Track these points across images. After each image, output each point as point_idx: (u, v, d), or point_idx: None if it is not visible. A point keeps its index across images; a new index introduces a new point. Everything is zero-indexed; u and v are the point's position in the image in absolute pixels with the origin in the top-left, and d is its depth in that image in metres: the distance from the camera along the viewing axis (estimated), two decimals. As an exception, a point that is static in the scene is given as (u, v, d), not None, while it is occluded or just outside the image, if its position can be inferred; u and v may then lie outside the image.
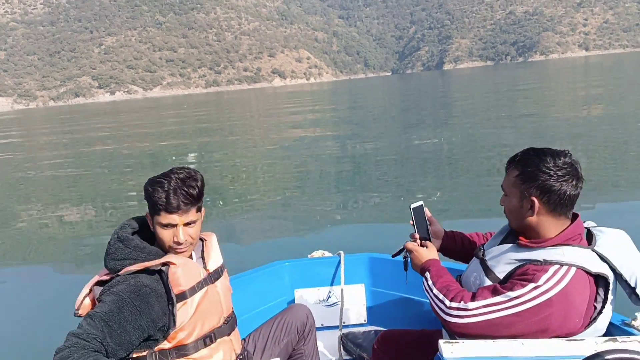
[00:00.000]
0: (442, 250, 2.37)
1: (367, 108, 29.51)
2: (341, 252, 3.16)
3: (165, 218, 1.98)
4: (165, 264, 1.96)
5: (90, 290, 2.01)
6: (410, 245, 2.18)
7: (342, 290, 3.03)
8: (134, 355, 1.97)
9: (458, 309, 1.86)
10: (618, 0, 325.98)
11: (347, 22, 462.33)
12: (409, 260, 2.21)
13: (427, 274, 2.05)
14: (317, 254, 3.29)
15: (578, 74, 48.94)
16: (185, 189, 1.98)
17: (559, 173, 1.85)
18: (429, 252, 2.14)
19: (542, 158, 1.88)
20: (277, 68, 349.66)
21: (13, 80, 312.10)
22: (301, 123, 21.35)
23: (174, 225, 2.00)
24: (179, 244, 2.02)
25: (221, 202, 10.43)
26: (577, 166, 1.90)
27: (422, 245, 2.18)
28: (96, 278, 2.02)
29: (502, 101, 22.69)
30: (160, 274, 1.96)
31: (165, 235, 2.00)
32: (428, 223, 2.26)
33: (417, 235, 2.20)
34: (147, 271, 1.95)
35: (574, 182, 1.86)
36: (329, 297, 3.09)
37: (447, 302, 1.90)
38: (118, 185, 12.90)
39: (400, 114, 21.91)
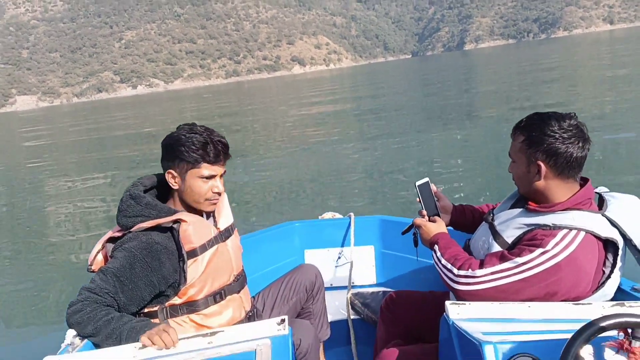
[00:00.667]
0: (452, 224, 2.37)
1: (388, 96, 29.01)
2: (352, 214, 3.18)
3: (207, 169, 2.03)
4: (176, 221, 2.00)
5: (103, 247, 2.06)
6: (419, 221, 2.19)
7: (351, 251, 3.06)
8: (146, 310, 2.03)
9: (466, 276, 1.87)
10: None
11: (365, 5, 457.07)
12: (418, 236, 2.22)
13: (436, 247, 2.06)
14: (328, 215, 3.31)
15: (603, 51, 47.36)
16: (219, 139, 2.05)
17: (565, 135, 1.83)
18: (438, 227, 2.14)
19: (546, 122, 1.86)
20: (296, 55, 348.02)
21: (37, 78, 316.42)
22: (320, 120, 21.19)
23: (214, 177, 2.05)
24: (218, 194, 2.08)
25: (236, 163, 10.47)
26: (583, 128, 1.87)
27: (430, 221, 2.18)
28: (109, 234, 2.07)
29: (525, 88, 22.04)
30: (172, 231, 2.00)
31: (204, 187, 2.05)
32: (436, 199, 2.26)
33: (424, 212, 2.20)
34: (158, 228, 1.99)
35: (580, 144, 1.84)
36: (339, 258, 3.13)
37: (455, 270, 1.91)
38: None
39: (422, 105, 21.33)
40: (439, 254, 2.02)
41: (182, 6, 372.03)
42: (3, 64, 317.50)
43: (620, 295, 1.98)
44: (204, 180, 2.05)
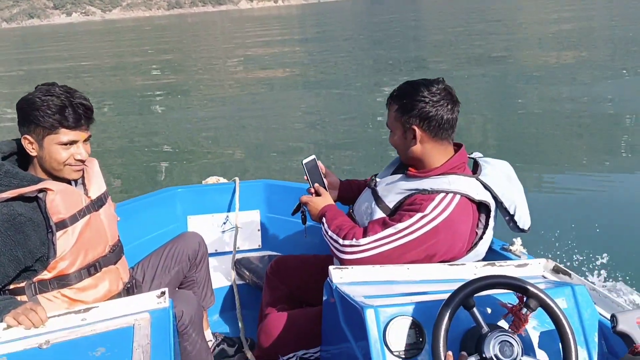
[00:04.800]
0: (340, 199, 2.41)
1: (336, 40, 28.24)
2: (237, 178, 3.14)
3: (67, 135, 1.90)
4: (41, 190, 1.87)
5: None
6: (305, 198, 2.22)
7: (237, 216, 3.04)
8: (11, 287, 1.91)
9: (351, 245, 1.93)
10: None
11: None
12: (307, 213, 2.24)
13: (324, 219, 2.10)
14: (212, 180, 3.24)
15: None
16: (81, 102, 1.91)
17: (434, 99, 1.93)
18: (324, 200, 2.18)
19: (416, 88, 1.96)
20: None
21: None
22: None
23: (75, 142, 1.93)
24: (82, 161, 1.96)
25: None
26: (452, 91, 1.99)
27: (316, 195, 2.21)
28: None
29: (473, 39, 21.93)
30: (37, 201, 1.88)
31: (63, 154, 1.92)
32: (323, 176, 2.27)
33: (312, 190, 2.22)
34: (21, 199, 1.86)
35: (450, 106, 1.96)
36: (224, 223, 3.10)
37: (340, 240, 1.97)
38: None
39: (371, 54, 20.77)
40: (326, 226, 2.07)
41: None
42: None
43: (491, 255, 2.11)
44: (64, 147, 1.92)
